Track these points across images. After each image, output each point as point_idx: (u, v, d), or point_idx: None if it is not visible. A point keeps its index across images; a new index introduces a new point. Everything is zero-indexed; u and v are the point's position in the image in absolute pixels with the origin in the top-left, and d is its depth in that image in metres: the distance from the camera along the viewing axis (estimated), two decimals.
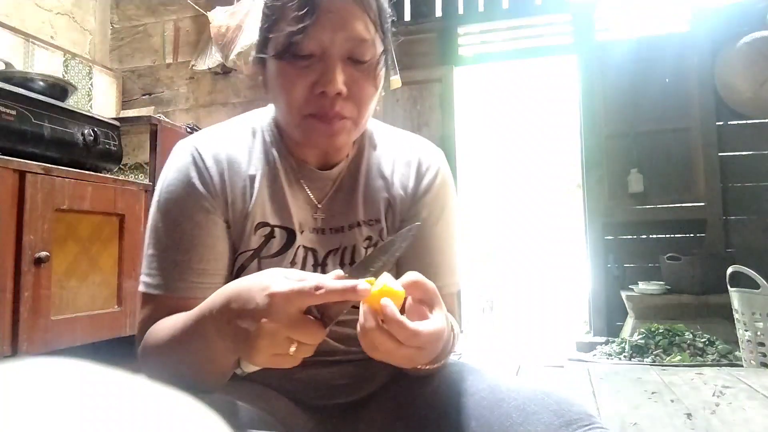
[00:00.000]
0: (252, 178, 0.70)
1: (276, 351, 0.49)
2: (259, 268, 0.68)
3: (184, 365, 0.61)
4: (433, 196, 0.76)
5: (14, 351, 1.49)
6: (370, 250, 0.73)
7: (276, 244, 0.70)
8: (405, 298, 0.53)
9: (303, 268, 0.70)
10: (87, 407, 0.20)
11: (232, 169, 0.70)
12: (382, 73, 0.69)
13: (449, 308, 0.74)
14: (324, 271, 0.71)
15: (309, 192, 0.73)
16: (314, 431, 0.72)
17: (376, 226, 0.74)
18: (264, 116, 0.76)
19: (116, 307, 1.85)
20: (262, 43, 0.68)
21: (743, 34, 2.70)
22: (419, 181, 0.76)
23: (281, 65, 0.64)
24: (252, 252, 0.69)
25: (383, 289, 0.51)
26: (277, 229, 0.70)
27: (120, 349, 1.86)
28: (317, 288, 0.48)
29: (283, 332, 0.48)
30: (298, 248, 0.70)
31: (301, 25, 0.60)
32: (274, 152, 0.73)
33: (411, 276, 0.54)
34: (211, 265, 0.66)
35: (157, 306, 0.65)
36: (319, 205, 0.73)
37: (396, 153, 0.78)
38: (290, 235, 0.70)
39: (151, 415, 0.21)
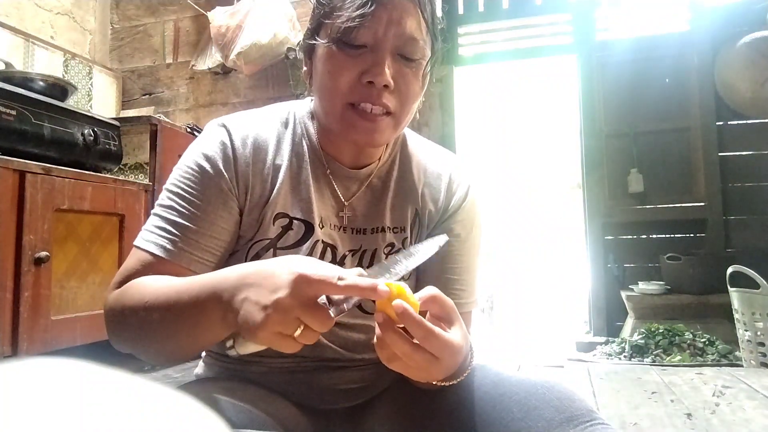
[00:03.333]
0: (277, 167, 0.71)
1: (282, 330, 0.49)
2: None
3: (163, 330, 0.59)
4: (464, 214, 0.77)
5: (14, 351, 1.49)
6: (390, 257, 0.73)
7: (293, 236, 0.70)
8: (425, 314, 0.53)
9: None
10: (87, 407, 0.20)
11: (257, 155, 0.70)
12: (427, 77, 0.70)
13: (466, 325, 0.75)
14: None
15: (337, 189, 0.73)
16: None
17: (400, 234, 0.75)
18: (300, 108, 0.76)
19: None
20: (315, 29, 0.68)
21: (743, 34, 2.70)
22: (450, 197, 0.77)
23: (332, 52, 0.65)
24: (269, 241, 0.69)
25: (397, 292, 0.51)
26: (295, 222, 0.70)
27: None
28: (340, 279, 0.49)
29: (296, 311, 0.48)
30: (316, 243, 0.70)
31: (358, 13, 0.61)
32: (305, 144, 0.73)
33: (429, 291, 0.54)
34: (204, 240, 0.66)
35: (144, 262, 0.64)
36: (347, 204, 0.73)
37: (428, 165, 0.78)
38: (308, 229, 0.70)
39: (150, 415, 0.21)
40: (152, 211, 0.68)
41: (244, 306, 0.50)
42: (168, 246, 0.64)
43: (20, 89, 1.63)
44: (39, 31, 2.47)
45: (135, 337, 0.63)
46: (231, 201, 0.68)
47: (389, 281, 0.52)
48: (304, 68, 0.73)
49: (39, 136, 1.66)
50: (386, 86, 0.64)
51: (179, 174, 0.68)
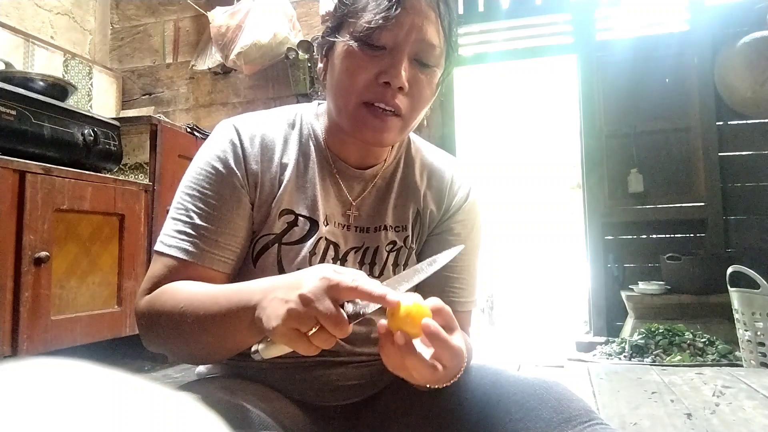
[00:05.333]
0: (284, 166, 0.72)
1: (299, 325, 0.50)
2: (279, 254, 0.71)
3: (195, 334, 0.61)
4: (464, 214, 0.78)
5: (14, 351, 1.50)
6: (392, 255, 0.75)
7: (297, 232, 0.71)
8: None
9: (323, 259, 0.72)
10: (87, 407, 0.20)
11: (265, 154, 0.72)
12: (439, 85, 0.71)
13: (465, 324, 0.77)
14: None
15: (344, 188, 0.75)
16: None
17: (402, 233, 0.76)
18: (306, 110, 0.78)
19: (116, 307, 1.85)
20: (336, 27, 0.69)
21: (743, 34, 2.70)
22: (451, 198, 0.79)
23: (352, 50, 0.66)
24: (274, 236, 0.71)
25: (419, 310, 0.52)
26: (300, 218, 0.72)
27: (120, 349, 1.86)
28: (354, 281, 0.51)
29: (314, 309, 0.50)
30: (320, 239, 0.72)
31: (382, 15, 0.63)
32: (311, 145, 0.75)
33: (434, 302, 0.56)
34: (224, 238, 0.68)
35: (168, 267, 0.67)
36: (354, 203, 0.75)
37: (431, 167, 0.80)
38: (313, 226, 0.72)
39: (151, 415, 0.21)
40: (169, 215, 0.69)
41: (270, 305, 0.53)
42: (190, 248, 0.66)
43: (20, 89, 1.63)
44: (39, 31, 2.47)
45: (169, 339, 0.65)
46: (244, 197, 0.70)
47: (404, 293, 0.54)
48: (320, 65, 0.74)
49: (39, 136, 1.66)
50: (401, 88, 0.65)
51: (192, 176, 0.70)
